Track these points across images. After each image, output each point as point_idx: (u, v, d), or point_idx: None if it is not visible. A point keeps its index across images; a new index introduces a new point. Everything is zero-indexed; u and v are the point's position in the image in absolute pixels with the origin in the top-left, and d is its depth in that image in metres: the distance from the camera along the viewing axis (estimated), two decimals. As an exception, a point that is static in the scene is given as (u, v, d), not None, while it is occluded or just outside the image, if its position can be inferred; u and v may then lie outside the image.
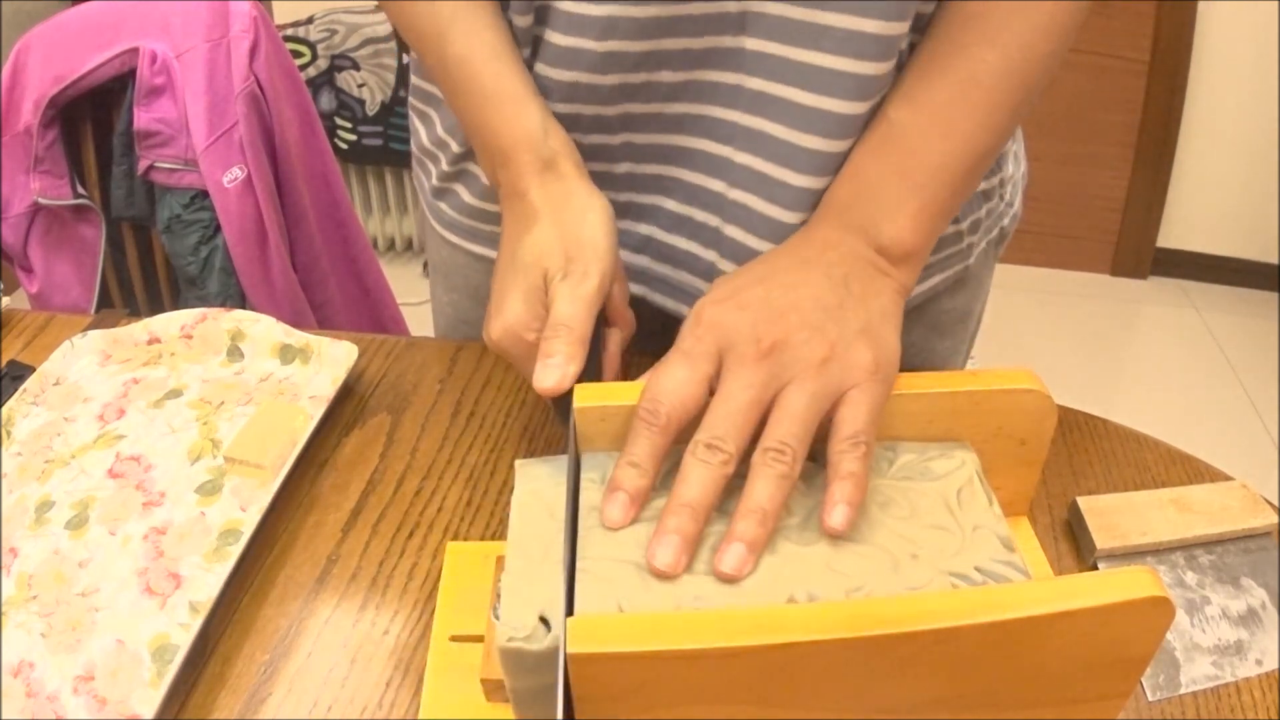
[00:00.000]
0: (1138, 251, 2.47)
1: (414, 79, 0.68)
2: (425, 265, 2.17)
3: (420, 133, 0.69)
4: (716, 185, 0.58)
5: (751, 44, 0.52)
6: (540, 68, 0.56)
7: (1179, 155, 2.33)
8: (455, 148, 0.65)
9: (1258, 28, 2.14)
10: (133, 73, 1.12)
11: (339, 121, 2.10)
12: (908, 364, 0.65)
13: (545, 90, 0.56)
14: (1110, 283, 2.49)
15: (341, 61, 2.05)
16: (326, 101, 2.07)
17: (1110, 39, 2.22)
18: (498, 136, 0.54)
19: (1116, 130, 2.32)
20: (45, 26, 1.15)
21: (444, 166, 0.66)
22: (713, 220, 0.60)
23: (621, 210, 0.61)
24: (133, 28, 1.13)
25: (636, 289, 0.65)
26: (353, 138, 2.12)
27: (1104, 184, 2.40)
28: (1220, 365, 2.21)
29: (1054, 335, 2.28)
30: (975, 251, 0.67)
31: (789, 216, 0.56)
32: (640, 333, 0.74)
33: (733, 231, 0.59)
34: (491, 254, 0.68)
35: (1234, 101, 2.24)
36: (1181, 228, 2.43)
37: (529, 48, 0.56)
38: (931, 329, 0.69)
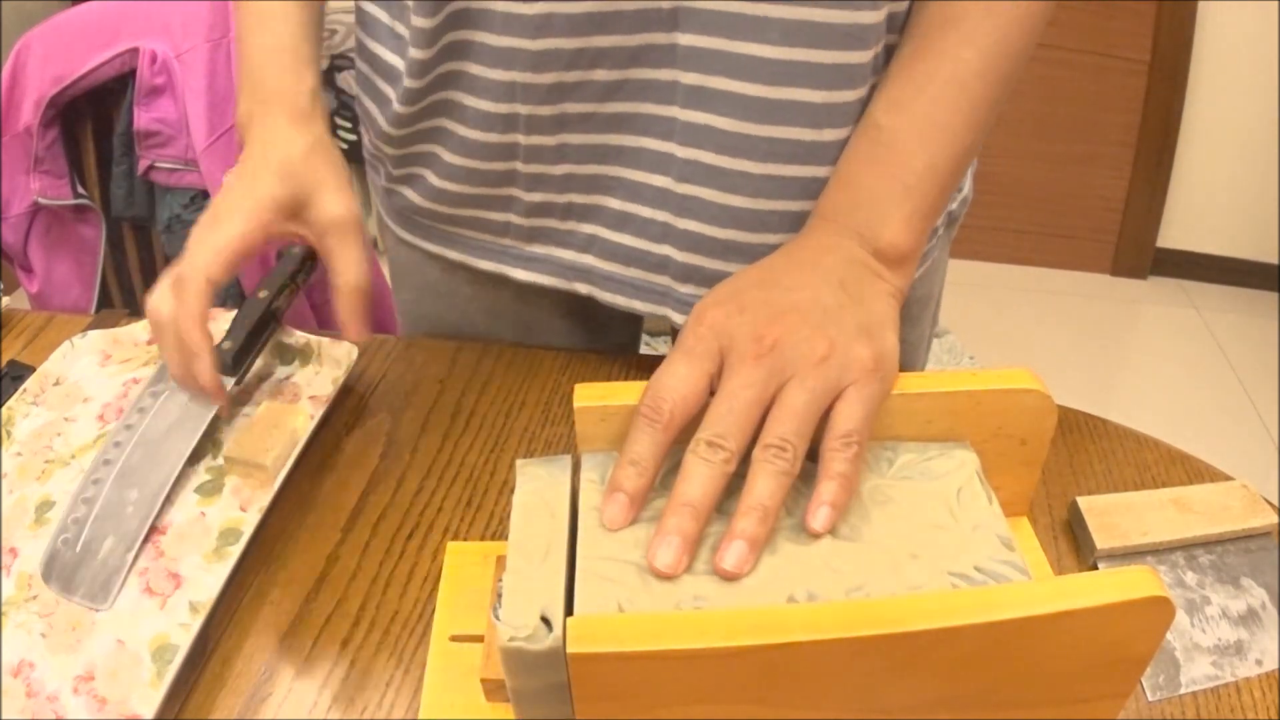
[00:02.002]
0: (1138, 251, 2.47)
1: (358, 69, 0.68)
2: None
3: (368, 132, 0.69)
4: (661, 181, 0.59)
5: (685, 39, 0.53)
6: (475, 69, 0.56)
7: (1179, 155, 2.33)
8: (390, 151, 0.65)
9: (1258, 28, 2.14)
10: (133, 73, 1.12)
11: (339, 121, 2.10)
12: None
13: (480, 91, 0.57)
14: (1110, 283, 2.50)
15: (341, 61, 2.05)
16: (326, 101, 2.07)
17: (1110, 39, 2.22)
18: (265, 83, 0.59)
19: (1116, 130, 2.33)
20: (45, 26, 1.15)
21: (390, 169, 0.67)
22: (660, 215, 0.60)
23: (564, 211, 0.62)
24: (133, 28, 1.13)
25: (583, 288, 0.66)
26: (353, 138, 2.12)
27: (1104, 184, 2.40)
28: (1220, 365, 2.21)
29: (1054, 335, 2.28)
30: (937, 235, 0.68)
31: (755, 204, 0.57)
32: (598, 327, 0.74)
33: (688, 224, 0.60)
34: (443, 252, 0.69)
35: (1234, 101, 2.24)
36: (1181, 228, 2.43)
37: (440, 50, 0.56)
38: (902, 320, 0.70)
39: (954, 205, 0.70)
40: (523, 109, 0.57)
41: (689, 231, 0.60)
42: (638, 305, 0.65)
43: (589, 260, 0.64)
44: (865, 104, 0.55)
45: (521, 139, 0.59)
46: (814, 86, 0.53)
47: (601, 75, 0.55)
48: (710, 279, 0.60)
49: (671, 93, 0.55)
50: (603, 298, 0.66)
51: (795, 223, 0.57)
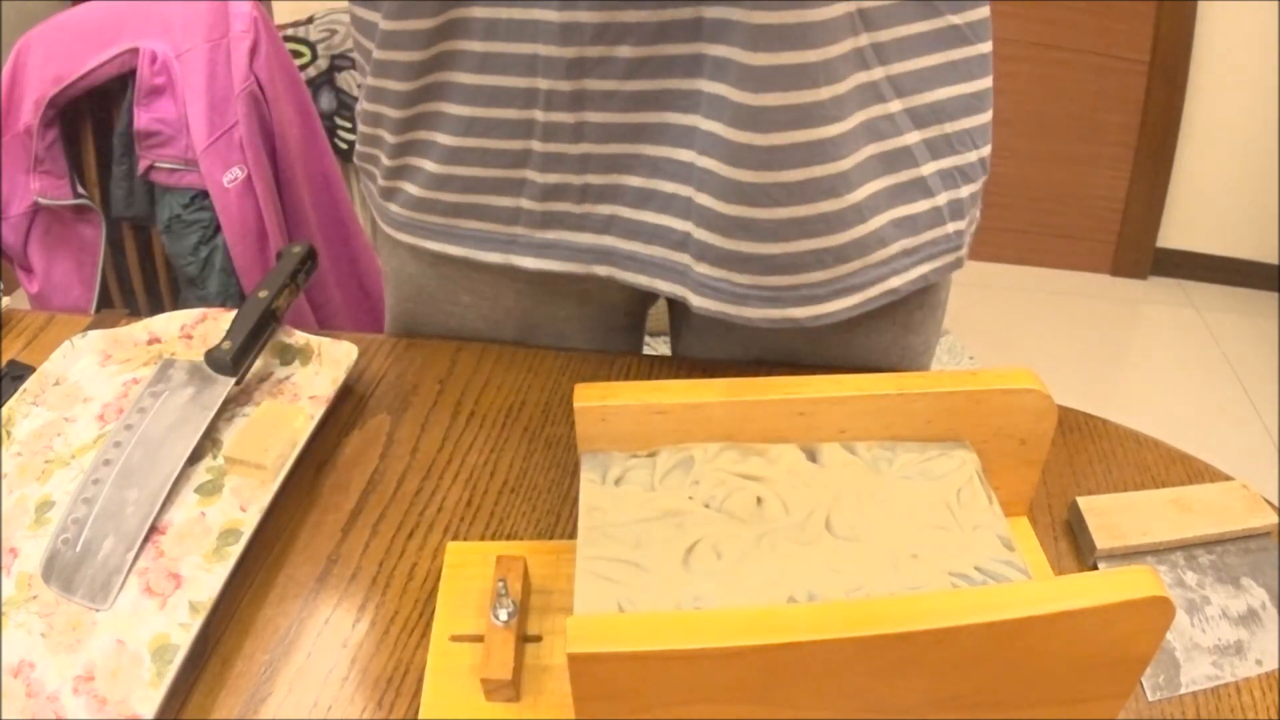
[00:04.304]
0: (1138, 251, 2.47)
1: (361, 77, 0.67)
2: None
3: (364, 125, 0.67)
4: (685, 155, 0.58)
5: (711, 11, 0.52)
6: (496, 45, 0.56)
7: (1179, 155, 2.33)
8: (390, 139, 0.64)
9: (1258, 28, 2.14)
10: (133, 73, 1.12)
11: (339, 121, 2.10)
12: (886, 363, 0.63)
13: (502, 66, 0.57)
14: (1110, 283, 2.49)
15: (341, 61, 2.05)
16: (326, 101, 2.07)
17: (1110, 39, 2.22)
18: None
19: (1116, 130, 2.32)
20: (45, 26, 1.15)
21: (385, 162, 0.65)
22: (684, 190, 0.59)
23: (579, 194, 0.61)
24: (133, 28, 1.13)
25: (603, 270, 0.64)
26: (353, 138, 2.11)
27: (1104, 184, 2.40)
28: (1220, 365, 2.21)
29: (1054, 335, 2.28)
30: (966, 239, 0.67)
31: (758, 177, 0.56)
32: (602, 335, 0.73)
33: (705, 199, 0.59)
34: (434, 246, 0.67)
35: (1234, 101, 2.24)
36: (1181, 228, 2.43)
37: (442, 26, 0.56)
38: (905, 328, 0.69)
39: (967, 227, 0.69)
40: (542, 84, 0.56)
41: (705, 207, 0.59)
42: (660, 285, 0.64)
43: (609, 241, 0.63)
44: (858, 51, 0.55)
45: (540, 115, 0.58)
46: (810, 47, 0.52)
47: (625, 52, 0.55)
48: (721, 258, 0.59)
49: (698, 66, 0.55)
50: (623, 278, 0.64)
51: (796, 194, 0.56)
